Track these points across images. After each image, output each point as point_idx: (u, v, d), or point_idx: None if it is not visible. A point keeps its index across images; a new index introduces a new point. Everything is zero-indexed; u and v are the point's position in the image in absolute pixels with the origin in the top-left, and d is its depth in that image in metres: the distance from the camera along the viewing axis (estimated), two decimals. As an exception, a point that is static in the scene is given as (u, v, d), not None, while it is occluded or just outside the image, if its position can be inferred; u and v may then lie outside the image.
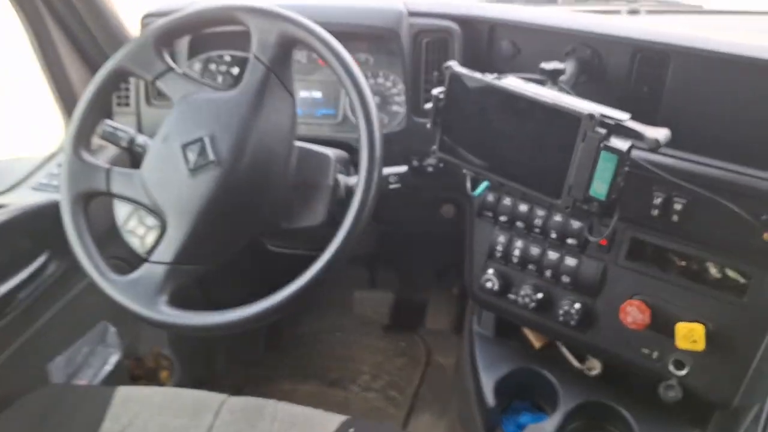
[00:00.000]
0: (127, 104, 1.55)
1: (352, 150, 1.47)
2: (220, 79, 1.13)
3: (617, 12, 1.60)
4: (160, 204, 1.10)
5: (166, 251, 1.08)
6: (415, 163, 1.48)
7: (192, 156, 1.10)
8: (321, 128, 1.57)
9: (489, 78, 1.08)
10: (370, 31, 1.41)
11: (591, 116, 0.97)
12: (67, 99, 1.48)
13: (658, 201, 1.18)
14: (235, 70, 1.12)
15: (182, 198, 1.08)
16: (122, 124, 1.57)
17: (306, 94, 1.59)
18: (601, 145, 0.98)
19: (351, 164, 1.37)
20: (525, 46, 1.37)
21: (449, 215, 1.57)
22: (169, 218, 1.09)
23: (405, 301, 2.22)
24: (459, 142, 1.16)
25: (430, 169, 1.45)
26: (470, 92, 1.11)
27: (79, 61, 1.51)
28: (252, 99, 1.08)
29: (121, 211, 1.14)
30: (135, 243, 1.12)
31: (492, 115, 1.11)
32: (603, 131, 0.98)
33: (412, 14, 1.41)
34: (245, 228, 1.16)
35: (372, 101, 1.08)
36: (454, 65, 1.11)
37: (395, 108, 1.54)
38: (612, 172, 0.98)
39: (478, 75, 1.09)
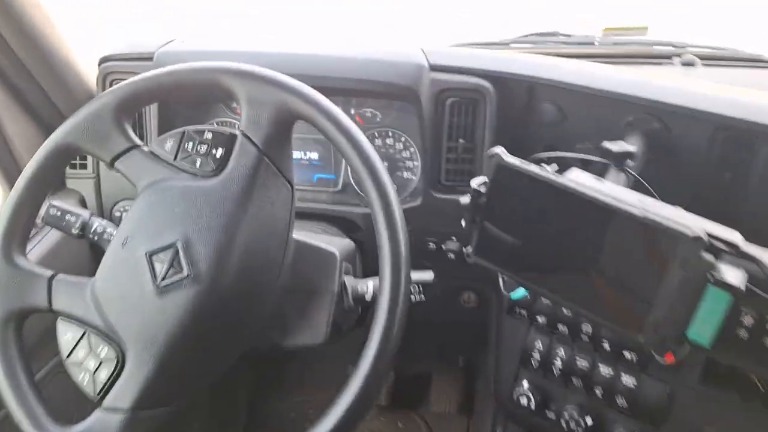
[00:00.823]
0: (84, 165, 1.27)
1: (355, 227, 1.21)
2: (198, 162, 0.88)
3: (668, 61, 1.37)
4: (117, 330, 0.83)
5: (124, 394, 0.81)
6: (431, 246, 1.22)
7: (161, 268, 0.83)
8: (318, 197, 1.31)
9: (549, 173, 0.83)
10: (384, 88, 1.15)
11: (697, 239, 0.72)
12: (9, 169, 1.20)
13: (747, 322, 0.93)
14: (219, 152, 0.87)
15: (146, 324, 0.82)
16: (78, 190, 1.30)
17: (300, 155, 1.33)
18: (709, 277, 0.73)
19: (358, 255, 1.12)
20: (573, 111, 1.13)
21: (470, 305, 1.31)
22: (128, 350, 0.82)
23: (404, 376, 1.96)
24: (502, 246, 0.91)
25: (451, 255, 1.20)
26: (521, 188, 0.86)
27: (28, 122, 1.23)
28: (240, 190, 0.83)
29: (67, 335, 0.87)
30: (83, 381, 0.85)
31: (549, 218, 0.86)
32: (710, 259, 0.73)
33: (435, 69, 1.16)
34: (227, 353, 0.90)
35: (397, 207, 0.82)
36: (502, 153, 0.86)
37: (406, 175, 1.29)
38: (722, 314, 0.74)
39: (534, 168, 0.84)
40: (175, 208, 0.87)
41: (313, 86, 1.21)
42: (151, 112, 1.25)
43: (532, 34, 1.51)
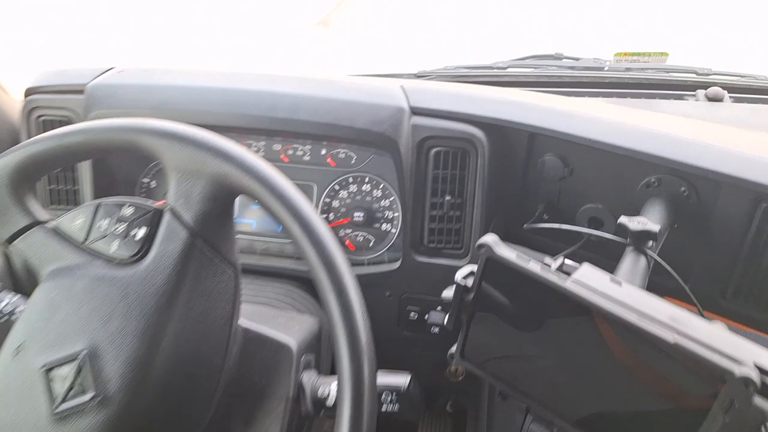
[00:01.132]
0: None
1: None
2: (115, 245, 0.72)
3: (691, 94, 1.18)
4: None
5: None
6: (413, 315, 1.05)
7: (60, 388, 0.67)
8: (283, 250, 1.13)
9: (552, 275, 0.65)
10: (357, 135, 0.97)
11: (747, 382, 0.55)
12: None
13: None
14: (141, 232, 0.71)
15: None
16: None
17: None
18: (763, 430, 0.56)
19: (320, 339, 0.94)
20: (581, 165, 0.95)
21: (458, 378, 1.14)
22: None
23: (387, 424, 1.77)
24: (492, 351, 0.74)
25: (435, 330, 1.02)
26: (517, 286, 0.69)
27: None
28: (166, 283, 0.68)
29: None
30: None
31: (551, 325, 0.69)
32: (765, 406, 0.56)
33: (417, 112, 0.98)
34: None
35: (359, 308, 0.65)
36: (493, 242, 0.68)
37: (385, 227, 1.11)
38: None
39: (533, 267, 0.66)
40: (82, 306, 0.69)
41: (275, 130, 1.05)
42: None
43: (532, 57, 1.32)
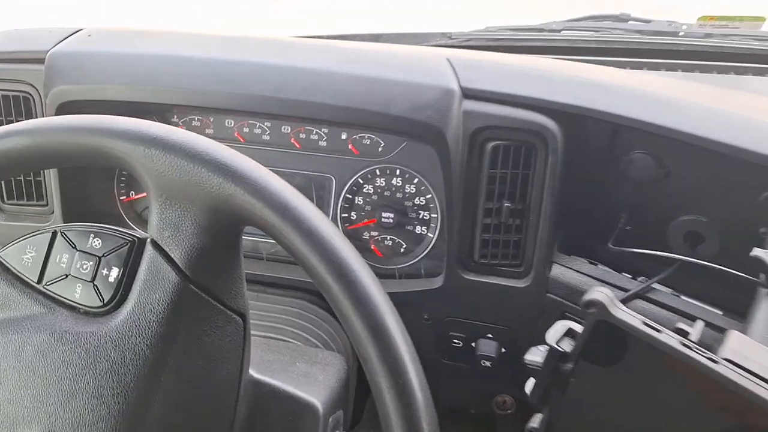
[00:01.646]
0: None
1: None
2: (79, 289, 0.53)
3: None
4: None
5: None
6: (456, 343, 0.86)
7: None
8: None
9: (696, 354, 0.46)
10: (392, 124, 0.76)
11: None
12: None
13: None
14: (114, 272, 0.52)
15: None
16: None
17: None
18: None
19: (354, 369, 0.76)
20: (679, 168, 0.74)
21: (505, 410, 0.95)
22: None
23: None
24: (585, 425, 0.56)
25: (486, 363, 0.84)
26: (632, 352, 0.50)
27: None
28: (151, 343, 0.50)
29: None
30: None
31: (678, 406, 0.50)
32: None
33: (471, 96, 0.76)
34: None
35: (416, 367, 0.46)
36: (607, 301, 0.49)
37: (419, 230, 0.91)
38: None
39: (669, 339, 0.47)
40: (36, 377, 0.51)
41: (284, 115, 0.83)
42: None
43: (591, 17, 1.10)
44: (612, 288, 0.75)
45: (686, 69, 0.99)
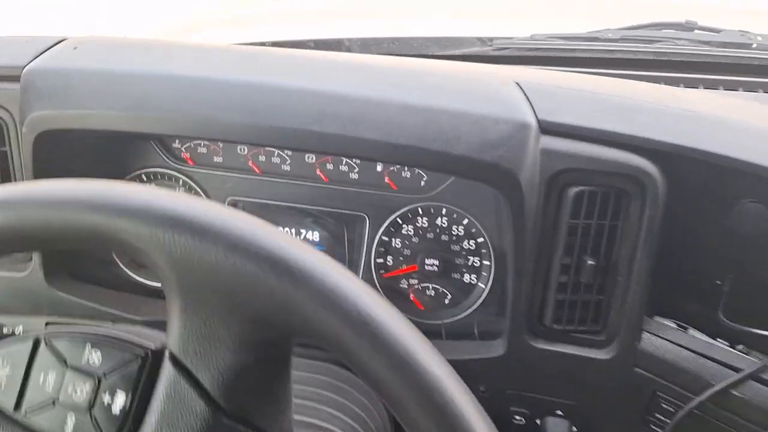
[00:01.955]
0: None
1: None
2: (71, 422, 0.40)
3: None
4: None
5: None
6: (518, 419, 0.72)
7: None
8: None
9: None
10: (451, 164, 0.62)
11: None
12: None
13: None
14: (120, 400, 0.39)
15: None
16: None
17: (290, 227, 0.81)
18: None
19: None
20: (804, 221, 0.61)
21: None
22: None
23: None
24: None
25: (557, 447, 0.70)
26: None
27: None
28: None
29: None
30: None
31: None
32: None
33: (550, 132, 0.62)
34: None
35: None
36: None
37: (468, 278, 0.78)
38: None
39: None
40: None
41: (323, 152, 0.70)
42: (23, 156, 0.70)
43: (651, 25, 0.96)
44: (719, 366, 0.62)
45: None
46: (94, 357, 0.39)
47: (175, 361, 0.36)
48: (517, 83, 0.66)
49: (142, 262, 0.37)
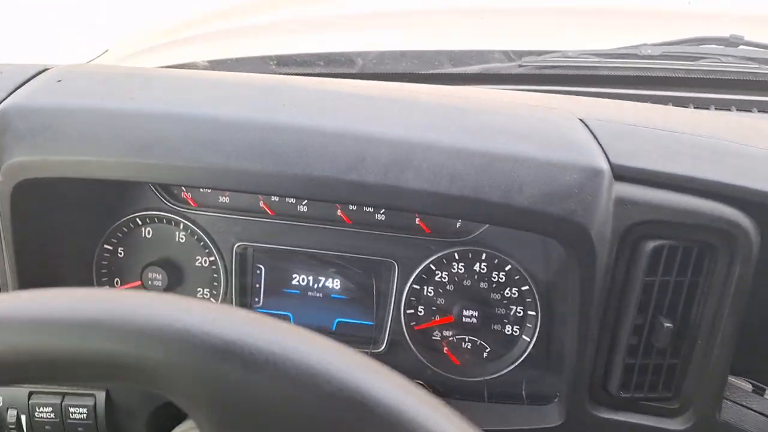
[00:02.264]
0: None
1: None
2: None
3: None
4: None
5: None
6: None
7: None
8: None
9: None
10: (513, 218, 0.53)
11: None
12: None
13: None
14: None
15: None
16: None
17: (305, 278, 0.72)
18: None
19: None
20: None
21: None
22: None
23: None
24: None
25: None
26: None
27: None
28: None
29: None
30: None
31: None
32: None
33: (625, 179, 0.54)
34: None
35: None
36: None
37: (510, 329, 0.69)
38: None
39: None
40: None
41: (355, 203, 0.62)
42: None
43: (692, 40, 0.88)
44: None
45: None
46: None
47: None
48: (580, 119, 0.57)
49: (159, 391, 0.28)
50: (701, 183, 0.53)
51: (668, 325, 0.56)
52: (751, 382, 0.62)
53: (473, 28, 1.03)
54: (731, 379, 0.62)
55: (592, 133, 0.56)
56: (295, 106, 0.57)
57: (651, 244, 0.54)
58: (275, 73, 0.85)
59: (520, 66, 0.88)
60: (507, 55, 0.92)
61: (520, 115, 0.58)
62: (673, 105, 0.78)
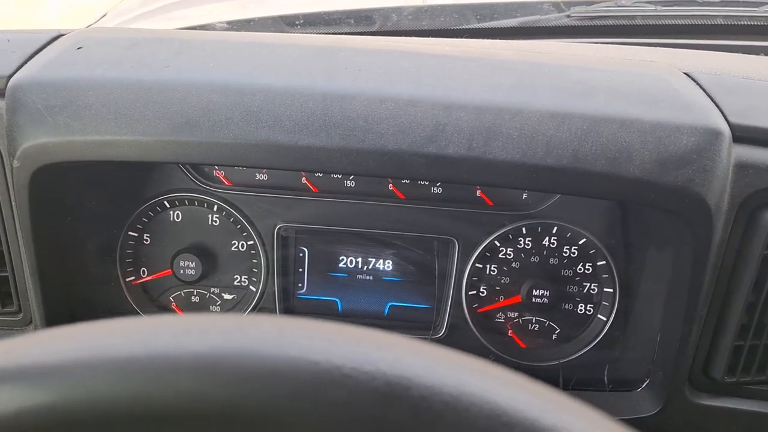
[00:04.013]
0: None
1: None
2: None
3: None
4: None
5: None
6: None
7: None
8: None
9: None
10: (622, 192, 0.46)
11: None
12: None
13: None
14: None
15: None
16: None
17: (353, 260, 0.65)
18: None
19: None
20: None
21: None
22: None
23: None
24: None
25: None
26: None
27: None
28: None
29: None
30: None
31: None
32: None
33: (746, 140, 0.47)
34: None
35: None
36: None
37: (582, 309, 0.63)
38: None
39: None
40: None
41: (433, 179, 0.55)
42: (16, 198, 0.52)
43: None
44: None
45: None
46: None
47: None
48: (686, 74, 0.50)
49: None
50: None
51: (786, 301, 0.50)
52: None
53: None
54: None
55: (703, 89, 0.48)
56: (358, 70, 0.49)
57: (772, 214, 0.48)
58: (303, 34, 0.76)
59: (569, 17, 0.80)
60: (556, 5, 0.83)
61: (618, 70, 0.51)
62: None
